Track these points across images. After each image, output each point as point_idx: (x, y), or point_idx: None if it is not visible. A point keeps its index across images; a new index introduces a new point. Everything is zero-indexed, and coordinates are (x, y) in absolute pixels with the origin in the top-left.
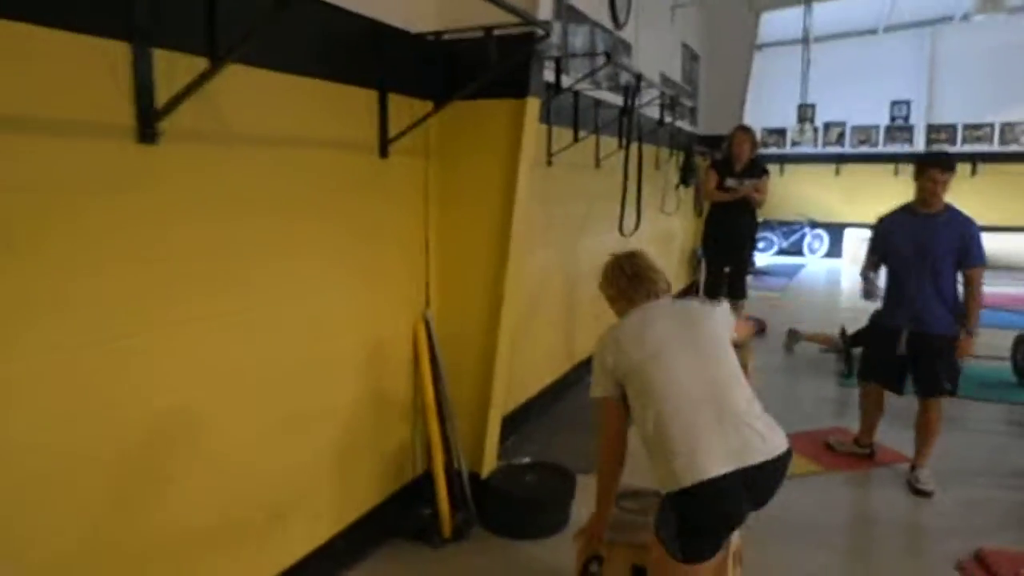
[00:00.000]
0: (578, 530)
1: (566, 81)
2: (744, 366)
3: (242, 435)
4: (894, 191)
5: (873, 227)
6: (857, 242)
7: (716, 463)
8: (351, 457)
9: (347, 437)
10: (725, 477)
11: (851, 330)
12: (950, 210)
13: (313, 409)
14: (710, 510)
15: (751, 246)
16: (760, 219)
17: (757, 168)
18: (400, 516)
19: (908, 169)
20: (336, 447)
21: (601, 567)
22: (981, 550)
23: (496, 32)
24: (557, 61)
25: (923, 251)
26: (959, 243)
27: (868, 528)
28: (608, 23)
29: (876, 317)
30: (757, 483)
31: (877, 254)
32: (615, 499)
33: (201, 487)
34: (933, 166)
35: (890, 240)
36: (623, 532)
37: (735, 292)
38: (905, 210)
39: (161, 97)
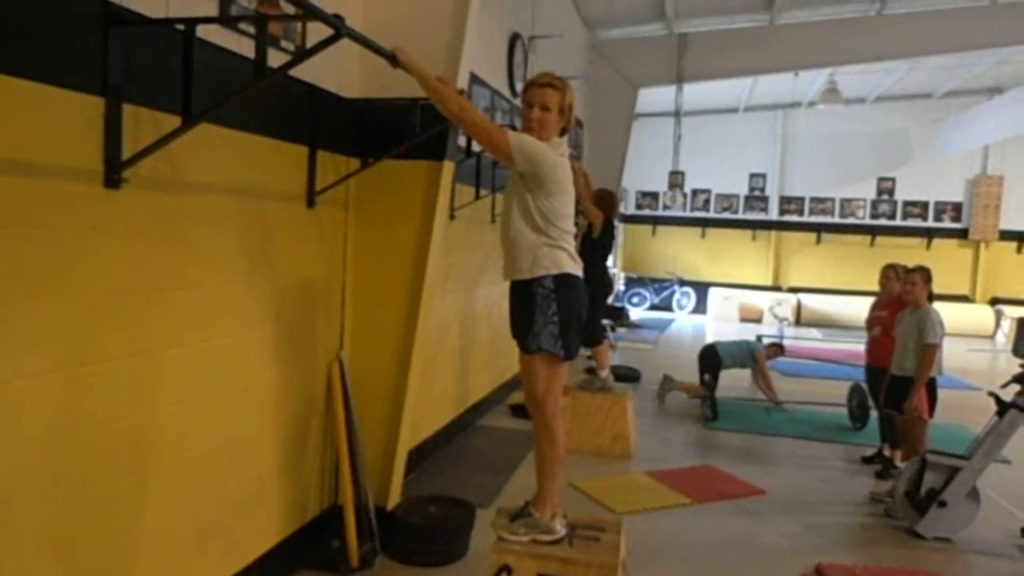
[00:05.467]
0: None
1: (475, 146)
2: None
3: (181, 460)
4: (752, 255)
5: None
6: (720, 300)
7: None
8: (268, 488)
9: (266, 469)
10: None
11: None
12: None
13: (238, 440)
14: (579, 291)
15: (600, 296)
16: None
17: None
18: (309, 547)
19: (764, 235)
20: (255, 478)
21: None
22: (820, 564)
23: (421, 101)
24: None
25: None
26: None
27: (730, 550)
28: (506, 91)
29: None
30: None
31: None
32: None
33: (142, 509)
34: None
35: None
36: (533, 547)
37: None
38: None
39: (128, 147)
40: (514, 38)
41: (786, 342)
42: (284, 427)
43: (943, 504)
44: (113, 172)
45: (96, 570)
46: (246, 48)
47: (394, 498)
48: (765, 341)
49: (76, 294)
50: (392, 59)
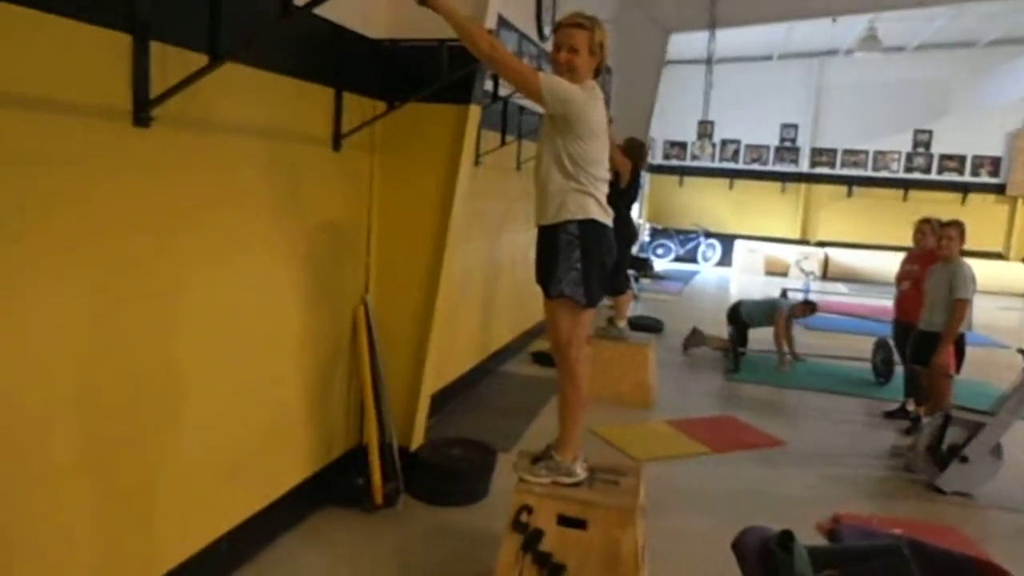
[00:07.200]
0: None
1: (502, 91)
2: None
3: (210, 394)
4: (780, 207)
5: None
6: (746, 252)
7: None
8: (295, 426)
9: (292, 408)
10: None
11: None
12: None
13: (266, 380)
14: (605, 239)
15: (624, 245)
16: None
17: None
18: (334, 484)
19: (794, 187)
20: (283, 416)
21: (531, 516)
22: (837, 514)
23: (448, 43)
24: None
25: None
26: None
27: (747, 499)
28: (534, 35)
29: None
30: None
31: None
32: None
33: (174, 438)
34: None
35: None
36: (553, 488)
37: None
38: None
39: (156, 86)
40: None
41: (812, 296)
42: (310, 367)
43: (964, 459)
44: (141, 111)
45: (130, 490)
46: None
47: (417, 440)
48: (791, 299)
49: (104, 232)
50: None
